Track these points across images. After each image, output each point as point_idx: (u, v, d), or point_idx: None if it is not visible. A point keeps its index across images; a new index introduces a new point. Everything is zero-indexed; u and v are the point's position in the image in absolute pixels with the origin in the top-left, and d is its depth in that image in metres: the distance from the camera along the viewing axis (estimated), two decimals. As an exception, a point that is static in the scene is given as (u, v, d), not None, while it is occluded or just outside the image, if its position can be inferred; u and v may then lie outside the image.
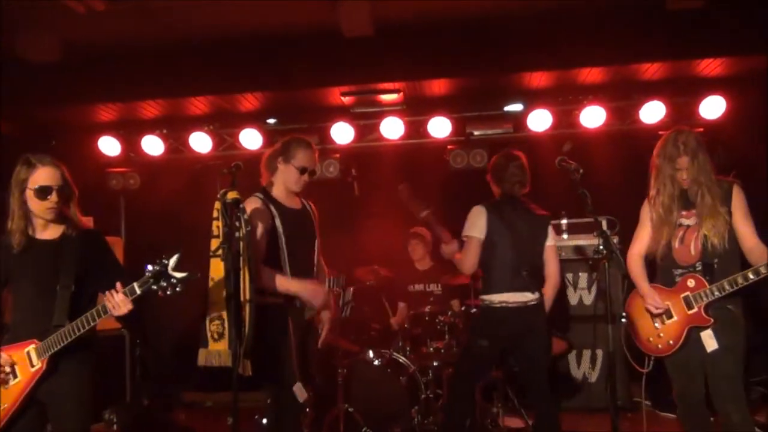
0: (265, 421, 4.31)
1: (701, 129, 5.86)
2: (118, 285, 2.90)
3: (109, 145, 6.56)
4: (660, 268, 3.53)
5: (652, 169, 3.50)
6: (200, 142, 6.43)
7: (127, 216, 7.00)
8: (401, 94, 6.10)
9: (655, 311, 3.43)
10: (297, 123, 6.41)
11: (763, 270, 3.15)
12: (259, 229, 3.43)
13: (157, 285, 2.83)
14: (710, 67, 5.65)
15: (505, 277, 3.95)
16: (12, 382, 2.96)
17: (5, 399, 2.95)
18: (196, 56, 5.64)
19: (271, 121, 6.47)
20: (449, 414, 4.31)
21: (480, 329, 4.08)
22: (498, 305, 3.95)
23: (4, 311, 3.11)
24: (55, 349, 2.92)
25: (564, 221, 5.98)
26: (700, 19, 5.03)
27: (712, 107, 5.84)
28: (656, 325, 3.48)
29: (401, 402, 4.78)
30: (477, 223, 3.99)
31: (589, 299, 5.85)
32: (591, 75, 5.84)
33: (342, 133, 6.30)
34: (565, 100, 6.15)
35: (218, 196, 3.20)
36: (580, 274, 5.92)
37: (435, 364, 4.91)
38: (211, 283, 3.32)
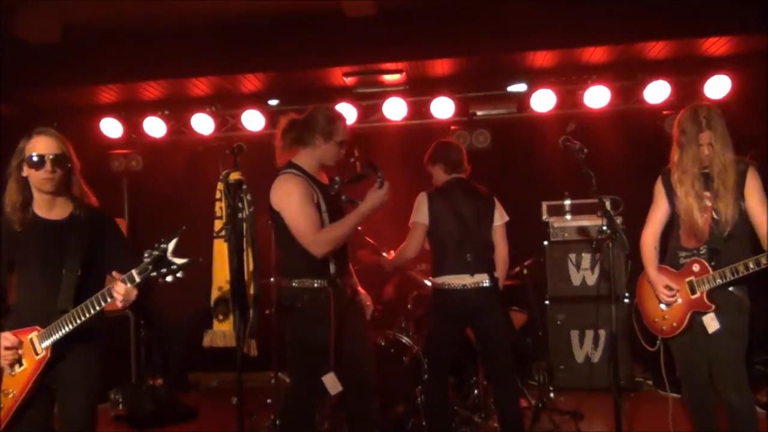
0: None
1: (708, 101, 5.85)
2: (115, 274, 2.76)
3: (111, 127, 6.55)
4: (668, 249, 3.50)
5: (674, 146, 3.39)
6: (202, 124, 6.41)
7: (130, 198, 7.00)
8: (404, 74, 6.06)
9: (664, 299, 3.41)
10: (299, 104, 6.32)
11: (764, 261, 3.12)
12: (311, 206, 3.33)
13: (156, 272, 2.68)
14: (715, 46, 5.61)
15: (449, 260, 4.03)
16: (18, 370, 2.87)
17: (13, 386, 2.87)
18: (198, 37, 5.60)
19: (273, 102, 6.44)
20: (427, 393, 4.38)
21: (432, 311, 4.23)
22: (443, 287, 4.04)
23: (8, 292, 3.01)
24: (57, 335, 2.82)
25: (567, 201, 5.98)
26: (705, -2, 4.99)
27: (717, 86, 5.79)
28: (662, 307, 3.46)
29: (404, 382, 4.80)
30: (420, 210, 4.10)
31: (592, 280, 5.86)
32: (595, 54, 5.79)
33: (344, 113, 6.24)
34: (568, 80, 6.12)
35: (221, 177, 3.18)
36: (583, 254, 5.92)
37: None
38: (214, 265, 3.31)
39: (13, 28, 4.90)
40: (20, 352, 2.86)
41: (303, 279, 3.37)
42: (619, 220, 4.65)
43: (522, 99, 6.22)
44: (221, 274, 3.27)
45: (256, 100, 6.42)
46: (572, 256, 5.95)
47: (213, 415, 5.51)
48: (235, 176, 3.12)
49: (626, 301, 5.41)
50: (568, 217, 5.96)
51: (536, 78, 6.13)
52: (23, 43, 5.00)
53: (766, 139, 4.98)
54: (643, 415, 5.04)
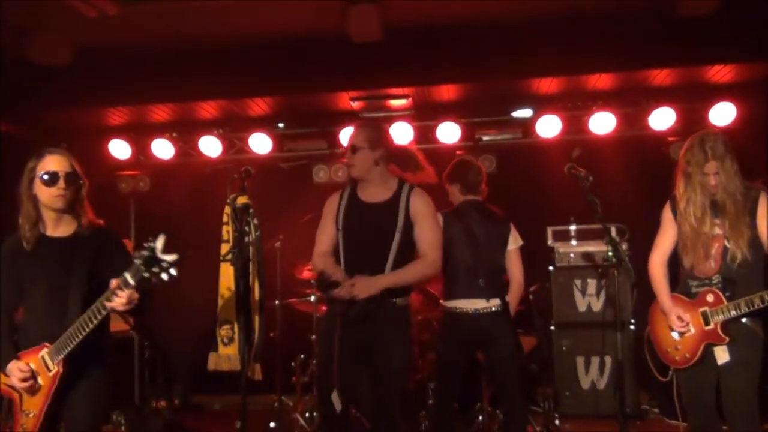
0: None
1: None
2: (113, 282, 2.74)
3: (120, 149, 6.59)
4: (679, 277, 3.46)
5: (679, 175, 3.38)
6: (210, 146, 6.45)
7: (136, 219, 7.02)
8: (410, 99, 6.11)
9: (677, 329, 3.35)
10: (306, 127, 6.43)
11: None
12: None
13: (148, 272, 2.62)
14: (720, 73, 5.64)
15: (460, 284, 4.01)
16: (36, 387, 2.92)
17: (32, 407, 2.91)
18: (206, 60, 5.66)
19: (281, 125, 6.49)
20: (433, 419, 4.39)
21: (441, 335, 4.21)
22: (454, 311, 4.01)
23: (16, 311, 3.04)
24: (68, 349, 2.85)
25: (573, 227, 5.96)
26: (710, 26, 5.00)
27: (723, 114, 5.80)
28: (675, 337, 3.40)
29: (408, 408, 4.77)
30: None
31: (597, 306, 5.82)
32: (600, 81, 5.83)
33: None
34: (574, 106, 6.13)
35: (228, 201, 3.20)
36: (588, 280, 5.88)
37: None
38: (220, 288, 3.33)
39: (24, 50, 4.96)
40: (29, 375, 2.88)
41: None
42: (624, 247, 4.64)
43: (527, 124, 6.25)
44: (227, 298, 3.28)
45: (264, 124, 6.46)
46: (578, 281, 5.91)
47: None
48: (242, 200, 3.15)
49: (632, 327, 5.38)
50: (574, 242, 5.95)
51: (542, 103, 6.16)
52: (35, 65, 5.06)
53: (772, 166, 5.00)
54: (649, 443, 4.99)
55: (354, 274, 3.21)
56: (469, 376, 4.63)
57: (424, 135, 6.34)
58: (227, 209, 3.25)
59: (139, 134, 6.60)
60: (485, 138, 6.33)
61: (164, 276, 2.64)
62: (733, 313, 3.20)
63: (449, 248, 4.01)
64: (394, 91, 5.97)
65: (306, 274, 5.25)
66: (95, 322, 2.82)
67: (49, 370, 2.89)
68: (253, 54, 5.64)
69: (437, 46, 5.52)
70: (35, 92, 5.68)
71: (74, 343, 2.84)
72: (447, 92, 6.12)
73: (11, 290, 2.99)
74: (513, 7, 5.06)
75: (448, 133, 6.22)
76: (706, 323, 3.28)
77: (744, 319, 3.23)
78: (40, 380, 2.90)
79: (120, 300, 2.74)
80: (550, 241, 6.06)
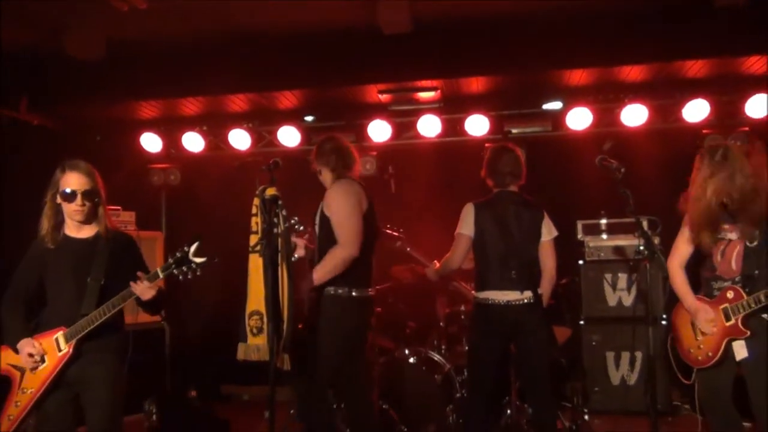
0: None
1: (746, 128, 5.73)
2: (140, 273, 3.15)
3: (151, 142, 6.68)
4: (702, 279, 3.48)
5: (694, 177, 3.43)
6: (239, 139, 6.51)
7: (167, 211, 7.12)
8: (438, 91, 6.08)
9: (705, 330, 3.36)
10: (334, 120, 6.44)
11: None
12: None
13: (178, 269, 3.15)
14: (757, 64, 5.51)
15: (493, 275, 3.97)
16: (39, 368, 3.14)
17: (31, 384, 3.14)
18: (236, 54, 5.70)
19: (309, 118, 6.51)
20: (463, 413, 4.37)
21: (473, 326, 4.19)
22: (486, 302, 3.97)
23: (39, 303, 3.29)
24: (82, 333, 3.11)
25: (603, 221, 5.90)
26: (746, 16, 4.89)
27: (758, 106, 5.69)
28: (697, 336, 3.41)
29: (436, 400, 4.77)
30: (466, 221, 4.06)
31: (628, 300, 5.75)
32: (632, 72, 5.74)
33: (379, 130, 6.30)
34: (605, 98, 6.06)
35: (257, 192, 3.24)
36: (619, 274, 5.81)
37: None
38: (249, 279, 3.36)
39: (61, 46, 5.05)
40: (38, 359, 3.12)
41: None
42: (656, 241, 4.57)
43: (557, 117, 6.18)
44: (256, 288, 3.31)
45: (292, 117, 6.49)
46: (608, 276, 5.84)
47: (244, 429, 5.53)
48: (271, 192, 3.18)
49: (663, 323, 5.30)
50: (604, 236, 5.88)
51: (572, 96, 6.09)
52: (68, 60, 5.15)
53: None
54: (680, 440, 4.93)
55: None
56: (498, 369, 4.63)
57: (453, 127, 6.32)
58: (256, 200, 3.27)
59: (170, 128, 6.68)
60: (514, 131, 6.27)
61: (190, 275, 3.16)
62: (753, 305, 3.22)
63: (481, 238, 4.01)
64: (422, 83, 5.95)
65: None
66: (113, 309, 3.11)
67: (60, 350, 3.12)
68: (282, 47, 5.67)
69: (466, 38, 5.48)
70: (70, 87, 5.79)
71: (90, 327, 3.10)
72: (476, 84, 6.08)
73: (30, 279, 3.27)
74: (543, -1, 5.02)
75: (477, 125, 6.17)
76: (727, 319, 3.30)
77: (765, 315, 3.24)
78: (47, 359, 3.13)
79: (144, 285, 3.11)
80: (580, 235, 6.00)
